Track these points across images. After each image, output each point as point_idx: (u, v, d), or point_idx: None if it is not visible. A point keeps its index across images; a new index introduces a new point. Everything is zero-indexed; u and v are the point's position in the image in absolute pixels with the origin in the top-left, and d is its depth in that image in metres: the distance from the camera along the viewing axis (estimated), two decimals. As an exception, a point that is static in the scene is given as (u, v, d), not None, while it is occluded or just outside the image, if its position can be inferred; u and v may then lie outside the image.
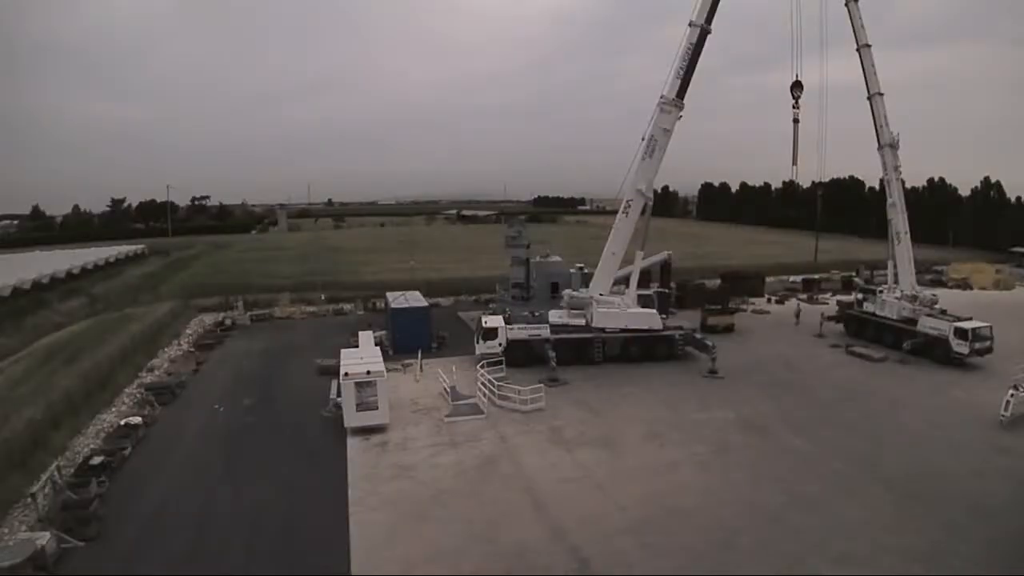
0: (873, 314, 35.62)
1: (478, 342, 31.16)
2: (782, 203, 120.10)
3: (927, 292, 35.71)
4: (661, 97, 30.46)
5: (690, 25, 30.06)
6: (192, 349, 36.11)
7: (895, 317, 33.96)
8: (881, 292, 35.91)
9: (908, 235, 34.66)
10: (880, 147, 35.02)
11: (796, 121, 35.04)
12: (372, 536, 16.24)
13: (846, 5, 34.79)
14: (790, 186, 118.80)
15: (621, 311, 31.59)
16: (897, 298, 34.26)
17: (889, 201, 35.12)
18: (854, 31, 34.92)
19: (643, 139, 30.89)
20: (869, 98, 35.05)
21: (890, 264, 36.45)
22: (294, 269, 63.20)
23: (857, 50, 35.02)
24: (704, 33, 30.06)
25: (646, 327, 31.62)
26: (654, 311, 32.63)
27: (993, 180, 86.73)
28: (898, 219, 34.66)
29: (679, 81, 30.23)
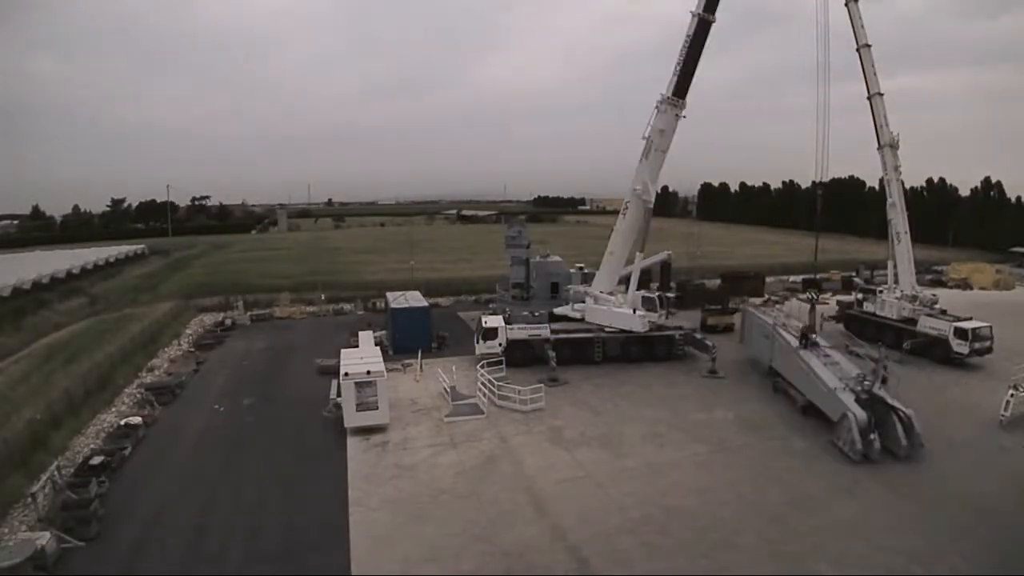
0: (873, 314, 35.63)
1: (478, 342, 31.16)
2: (782, 203, 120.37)
3: (927, 292, 35.73)
4: (660, 95, 29.80)
5: (691, 14, 28.49)
6: (192, 349, 36.09)
7: (895, 317, 33.99)
8: (881, 292, 35.94)
9: (908, 235, 34.64)
10: (880, 147, 34.99)
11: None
12: (372, 536, 16.25)
13: (846, 5, 34.76)
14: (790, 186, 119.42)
15: (607, 309, 31.59)
16: (897, 298, 34.28)
17: (889, 201, 35.10)
18: (854, 31, 34.88)
19: (644, 139, 30.71)
20: (869, 98, 35.01)
21: (890, 264, 36.44)
22: (294, 269, 63.16)
23: (857, 50, 34.99)
24: (706, 23, 28.44)
25: (627, 328, 31.05)
26: (630, 311, 31.20)
27: (994, 180, 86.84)
28: (898, 219, 34.63)
29: (676, 78, 29.15)
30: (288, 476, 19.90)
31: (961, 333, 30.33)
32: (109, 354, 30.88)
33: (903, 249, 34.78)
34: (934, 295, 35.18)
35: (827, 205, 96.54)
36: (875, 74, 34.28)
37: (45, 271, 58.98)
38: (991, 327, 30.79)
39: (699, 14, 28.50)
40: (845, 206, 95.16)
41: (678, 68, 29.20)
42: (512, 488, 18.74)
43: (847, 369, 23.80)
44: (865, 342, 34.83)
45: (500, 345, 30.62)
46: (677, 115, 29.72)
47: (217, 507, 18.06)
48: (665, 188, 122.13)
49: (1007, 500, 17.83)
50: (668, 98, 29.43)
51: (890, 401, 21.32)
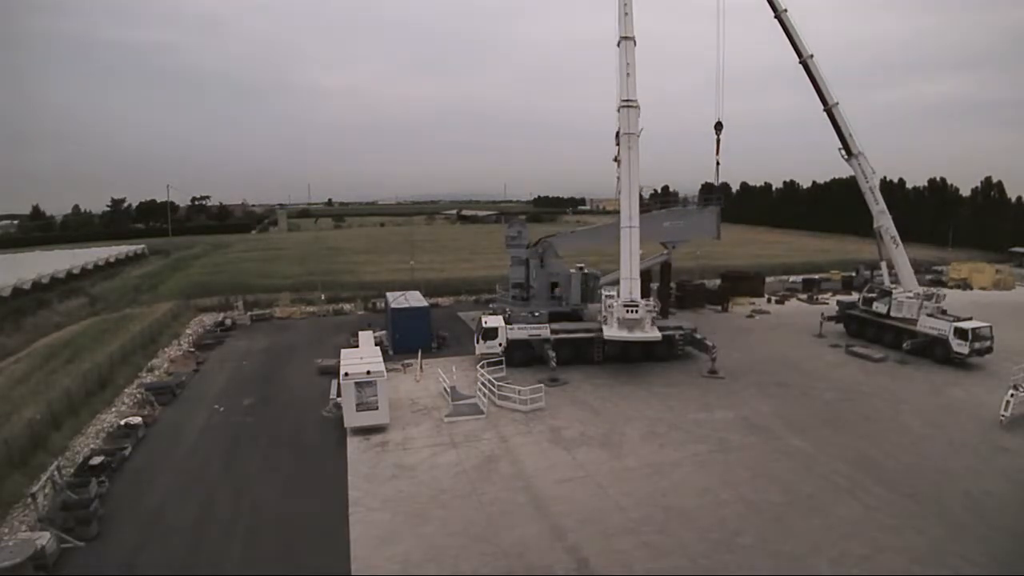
0: (885, 314, 34.92)
1: (478, 342, 31.17)
2: (782, 203, 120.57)
3: (941, 290, 35.64)
4: (620, 101, 31.14)
5: (624, 39, 31.05)
6: (192, 349, 36.07)
7: (914, 316, 33.19)
8: (893, 292, 35.60)
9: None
10: (851, 156, 34.99)
11: (718, 161, 38.12)
12: (372, 536, 16.25)
13: (776, 17, 34.75)
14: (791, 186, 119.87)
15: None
16: (910, 298, 33.97)
17: (878, 208, 35.10)
18: (793, 43, 34.81)
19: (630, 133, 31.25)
20: (827, 110, 34.89)
21: (884, 266, 36.43)
22: (294, 269, 63.17)
23: (801, 63, 34.86)
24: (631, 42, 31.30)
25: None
26: None
27: (994, 180, 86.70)
28: (891, 223, 34.81)
29: (627, 85, 31.18)
30: (288, 476, 19.91)
31: (961, 333, 30.33)
32: (109, 354, 30.87)
33: (901, 251, 34.83)
34: (943, 294, 34.99)
35: (828, 205, 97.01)
36: (826, 86, 34.58)
37: (45, 271, 59.01)
38: (991, 327, 30.81)
39: (625, 36, 31.13)
40: (845, 207, 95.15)
41: (626, 78, 31.07)
42: (512, 488, 18.74)
43: None
44: (866, 341, 35.10)
45: (500, 345, 30.64)
46: (638, 112, 31.54)
47: (217, 507, 18.05)
48: (666, 188, 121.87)
49: (1007, 500, 17.84)
50: (628, 101, 31.02)
51: None
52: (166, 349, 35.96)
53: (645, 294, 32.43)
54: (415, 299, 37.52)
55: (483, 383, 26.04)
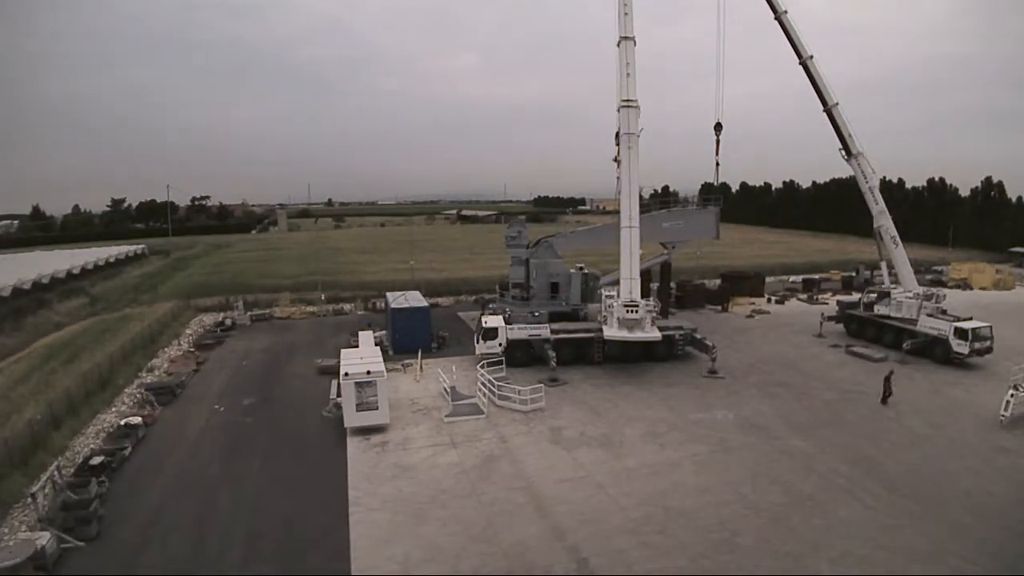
0: (888, 317, 34.84)
1: (478, 342, 31.16)
2: (783, 203, 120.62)
3: (941, 291, 35.66)
4: (621, 101, 31.36)
5: (624, 39, 31.36)
6: (192, 349, 36.09)
7: (914, 317, 33.14)
8: (893, 294, 35.53)
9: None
10: (851, 157, 35.07)
11: (717, 162, 38.80)
12: (372, 536, 16.25)
13: (776, 19, 34.98)
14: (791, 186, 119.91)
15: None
16: (910, 299, 33.91)
17: (878, 208, 35.13)
18: (793, 44, 35.09)
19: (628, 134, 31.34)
20: (826, 111, 35.08)
21: (884, 266, 36.44)
22: (294, 269, 63.18)
23: (801, 63, 35.05)
24: (631, 42, 31.66)
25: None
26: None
27: (995, 180, 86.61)
28: (890, 223, 34.80)
29: (627, 85, 31.39)
30: (288, 476, 19.90)
31: (961, 333, 30.32)
32: (109, 354, 30.87)
33: (901, 251, 34.83)
34: (944, 293, 34.94)
35: (827, 205, 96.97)
36: (826, 86, 34.76)
37: (45, 271, 59.04)
38: (991, 327, 30.80)
39: (625, 36, 31.38)
40: (845, 207, 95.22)
41: (626, 78, 31.27)
42: (512, 488, 18.74)
43: None
44: (866, 341, 35.09)
45: (500, 345, 30.64)
46: (638, 113, 31.69)
47: (217, 507, 18.05)
48: (666, 188, 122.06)
49: (1007, 500, 17.84)
50: (628, 101, 31.21)
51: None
52: (166, 349, 35.97)
53: (645, 294, 32.45)
54: (415, 299, 37.52)
55: (483, 383, 26.04)
